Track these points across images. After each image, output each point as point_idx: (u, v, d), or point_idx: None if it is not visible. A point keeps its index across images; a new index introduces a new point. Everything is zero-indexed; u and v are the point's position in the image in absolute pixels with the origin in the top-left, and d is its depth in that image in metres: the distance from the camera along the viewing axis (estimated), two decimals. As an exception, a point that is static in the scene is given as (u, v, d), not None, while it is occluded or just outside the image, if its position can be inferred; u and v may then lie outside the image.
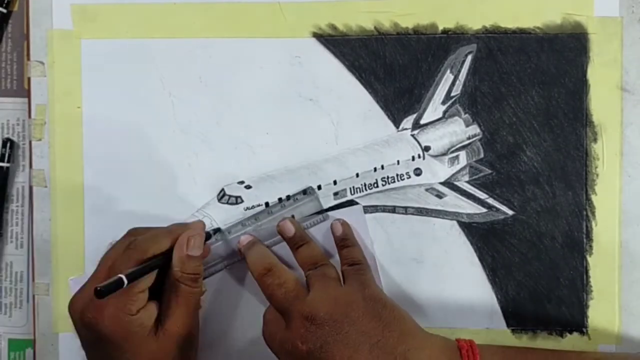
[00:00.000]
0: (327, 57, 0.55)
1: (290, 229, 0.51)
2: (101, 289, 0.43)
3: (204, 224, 0.51)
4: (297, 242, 0.51)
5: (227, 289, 0.55)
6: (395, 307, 0.48)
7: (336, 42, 0.55)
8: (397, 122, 0.55)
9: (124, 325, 0.45)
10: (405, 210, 0.55)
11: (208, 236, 0.51)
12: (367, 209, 0.55)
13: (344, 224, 0.53)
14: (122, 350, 0.46)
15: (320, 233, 0.54)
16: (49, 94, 0.56)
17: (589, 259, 0.54)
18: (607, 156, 0.54)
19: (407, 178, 0.55)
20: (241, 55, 0.55)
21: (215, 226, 0.54)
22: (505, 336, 0.54)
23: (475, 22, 0.54)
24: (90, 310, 0.45)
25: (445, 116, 0.55)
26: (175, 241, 0.48)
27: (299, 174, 0.55)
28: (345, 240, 0.52)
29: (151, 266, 0.47)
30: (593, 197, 0.54)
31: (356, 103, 0.55)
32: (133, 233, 0.50)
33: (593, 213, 0.54)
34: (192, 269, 0.48)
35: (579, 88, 0.54)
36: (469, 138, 0.55)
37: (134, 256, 0.47)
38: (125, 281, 0.44)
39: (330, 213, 0.54)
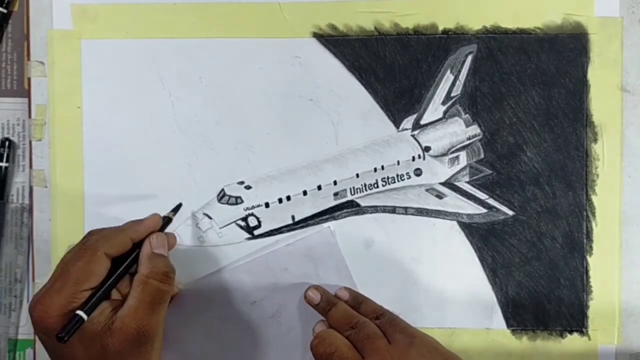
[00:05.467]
0: (327, 57, 0.55)
1: (316, 297, 0.52)
2: (62, 335, 0.43)
3: (160, 218, 0.51)
4: (325, 307, 0.52)
5: (209, 297, 0.54)
6: (440, 346, 0.48)
7: (336, 42, 0.55)
8: (397, 122, 0.55)
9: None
10: (406, 210, 0.55)
11: (168, 220, 0.52)
12: (367, 209, 0.55)
13: (341, 290, 0.53)
14: (72, 347, 0.45)
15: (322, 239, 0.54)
16: (49, 94, 0.55)
17: (589, 259, 0.54)
18: (607, 156, 0.54)
19: (408, 178, 0.55)
20: (241, 55, 0.55)
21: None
22: (505, 336, 0.54)
23: (475, 23, 0.54)
24: (37, 309, 0.45)
25: (446, 116, 0.55)
26: (131, 238, 0.49)
27: (299, 174, 0.55)
28: (355, 299, 0.52)
29: (110, 285, 0.47)
30: (593, 198, 0.54)
31: (356, 103, 0.55)
32: (90, 232, 0.50)
33: (593, 213, 0.54)
34: (163, 266, 0.48)
35: (579, 88, 0.54)
36: (469, 138, 0.55)
37: (86, 256, 0.47)
38: (85, 317, 0.44)
39: (298, 241, 0.54)
